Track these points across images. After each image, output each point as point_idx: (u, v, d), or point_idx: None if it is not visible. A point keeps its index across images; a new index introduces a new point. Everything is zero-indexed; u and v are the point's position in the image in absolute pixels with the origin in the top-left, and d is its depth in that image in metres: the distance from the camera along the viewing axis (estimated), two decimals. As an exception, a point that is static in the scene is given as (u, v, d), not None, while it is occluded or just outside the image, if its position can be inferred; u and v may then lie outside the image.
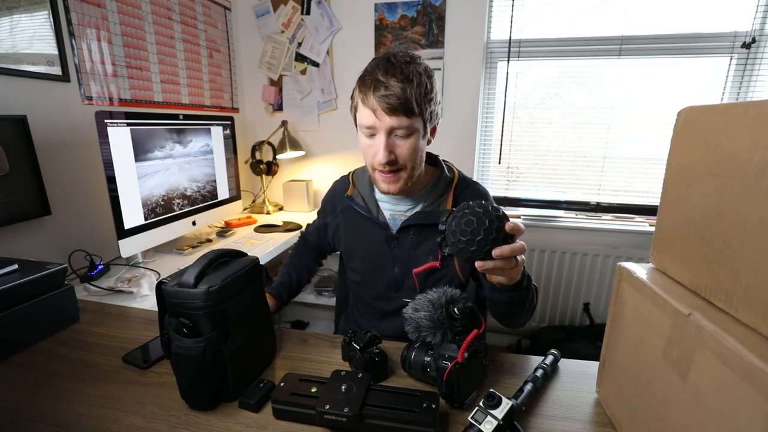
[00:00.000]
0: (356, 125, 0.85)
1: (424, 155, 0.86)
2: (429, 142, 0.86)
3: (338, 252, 1.06)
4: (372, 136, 0.79)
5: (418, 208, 0.89)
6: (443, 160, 0.95)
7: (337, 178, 1.05)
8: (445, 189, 0.90)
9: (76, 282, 1.13)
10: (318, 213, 1.08)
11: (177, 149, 1.42)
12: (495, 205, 0.62)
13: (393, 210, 0.92)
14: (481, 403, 0.52)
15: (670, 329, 0.44)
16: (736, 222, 0.39)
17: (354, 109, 0.83)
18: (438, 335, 0.63)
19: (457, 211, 0.62)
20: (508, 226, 0.59)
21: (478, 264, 0.60)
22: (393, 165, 0.79)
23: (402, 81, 0.74)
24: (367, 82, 0.76)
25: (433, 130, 0.85)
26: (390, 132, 0.77)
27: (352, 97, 0.83)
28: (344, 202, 0.95)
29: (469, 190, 0.91)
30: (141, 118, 1.25)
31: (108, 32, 1.37)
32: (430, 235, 0.87)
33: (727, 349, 0.36)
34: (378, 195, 0.94)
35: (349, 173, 1.00)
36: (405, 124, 0.76)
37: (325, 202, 1.05)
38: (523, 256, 0.63)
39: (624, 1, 1.74)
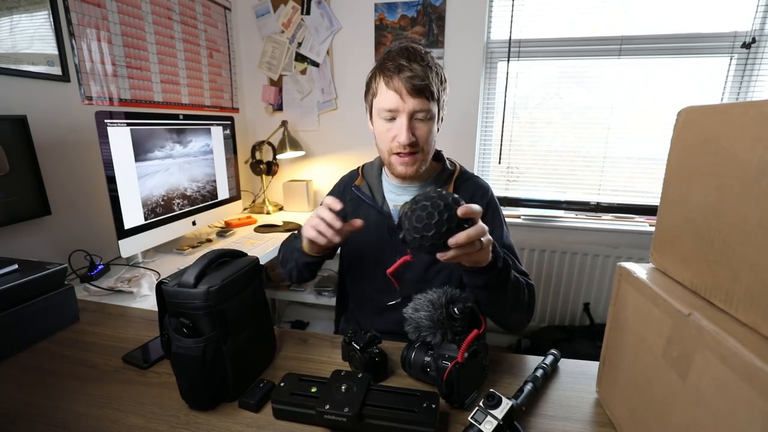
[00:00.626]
0: (371, 113, 0.88)
1: (436, 142, 0.89)
2: (438, 130, 0.89)
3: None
4: (392, 119, 0.82)
5: None
6: (447, 157, 0.98)
7: (337, 177, 1.06)
8: (446, 180, 0.93)
9: (76, 282, 1.13)
10: None
11: (177, 149, 1.42)
12: (445, 192, 0.60)
13: (397, 201, 0.93)
14: (481, 403, 0.52)
15: (670, 329, 0.44)
16: (736, 222, 0.39)
17: (372, 96, 0.86)
18: (438, 335, 0.63)
19: (407, 207, 0.60)
20: (460, 211, 0.57)
21: (438, 256, 0.58)
22: (413, 147, 0.82)
23: (424, 66, 0.79)
24: (391, 66, 0.80)
25: (441, 119, 0.89)
26: (412, 115, 0.81)
27: (368, 85, 0.87)
28: (352, 193, 0.97)
29: (470, 182, 0.94)
30: (141, 118, 1.25)
31: (108, 32, 1.37)
32: None
33: (727, 349, 0.36)
34: (385, 185, 0.96)
35: (359, 167, 1.02)
36: (426, 107, 0.80)
37: (332, 195, 1.03)
38: (488, 237, 0.61)
39: (624, 1, 1.74)
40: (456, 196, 0.59)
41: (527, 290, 0.80)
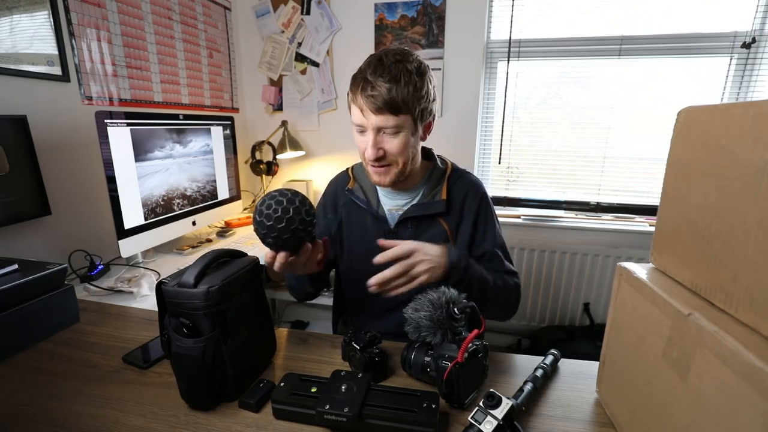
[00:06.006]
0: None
1: (418, 151, 0.88)
2: (423, 139, 0.88)
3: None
4: (362, 132, 0.83)
5: (414, 202, 0.91)
6: (437, 155, 0.97)
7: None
8: (438, 180, 0.92)
9: (76, 282, 1.14)
10: None
11: (177, 149, 1.42)
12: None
13: (391, 205, 0.93)
14: (481, 403, 0.52)
15: (670, 329, 0.44)
16: (736, 222, 0.39)
17: (348, 107, 0.87)
18: (438, 335, 0.63)
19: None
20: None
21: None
22: (382, 161, 0.82)
23: (389, 81, 0.76)
24: (358, 81, 0.80)
25: (427, 127, 0.87)
26: (378, 130, 0.80)
27: (348, 94, 0.87)
28: (345, 197, 0.96)
29: (462, 180, 0.93)
30: (141, 118, 1.25)
31: (108, 32, 1.37)
32: (429, 227, 0.89)
33: (727, 349, 0.36)
34: (379, 189, 0.95)
35: (348, 168, 1.01)
36: (392, 123, 0.78)
37: (324, 201, 1.02)
38: (423, 265, 0.74)
39: (624, 1, 1.74)
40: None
41: (506, 291, 0.85)
